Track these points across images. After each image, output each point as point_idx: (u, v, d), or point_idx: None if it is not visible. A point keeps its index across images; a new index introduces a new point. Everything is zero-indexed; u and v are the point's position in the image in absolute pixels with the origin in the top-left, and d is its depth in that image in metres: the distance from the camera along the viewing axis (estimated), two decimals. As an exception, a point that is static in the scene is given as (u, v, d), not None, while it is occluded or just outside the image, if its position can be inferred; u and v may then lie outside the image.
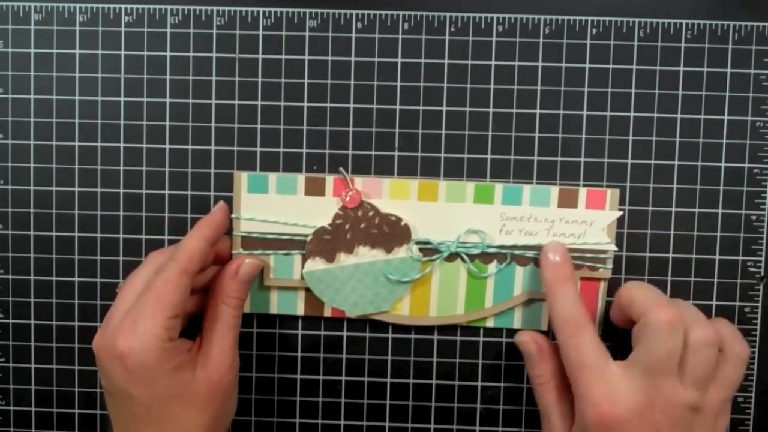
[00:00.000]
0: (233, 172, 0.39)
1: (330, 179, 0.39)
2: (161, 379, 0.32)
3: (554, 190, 0.38)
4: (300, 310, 0.40)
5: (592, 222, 0.38)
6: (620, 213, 0.38)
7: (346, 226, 0.38)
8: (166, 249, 0.37)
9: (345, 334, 0.40)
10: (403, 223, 0.38)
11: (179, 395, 0.32)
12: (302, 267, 0.38)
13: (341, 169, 0.39)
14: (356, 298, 0.39)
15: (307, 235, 0.38)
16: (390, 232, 0.38)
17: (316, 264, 0.38)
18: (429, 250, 0.39)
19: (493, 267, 0.39)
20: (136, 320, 0.32)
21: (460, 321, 0.39)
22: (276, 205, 0.38)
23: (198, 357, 0.34)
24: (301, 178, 0.38)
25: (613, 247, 0.38)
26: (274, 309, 0.40)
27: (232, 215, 0.38)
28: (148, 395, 0.32)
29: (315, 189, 0.38)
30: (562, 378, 0.36)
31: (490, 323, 0.40)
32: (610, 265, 0.38)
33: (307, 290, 0.39)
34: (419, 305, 0.39)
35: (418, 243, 0.38)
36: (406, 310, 0.39)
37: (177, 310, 0.33)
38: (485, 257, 0.39)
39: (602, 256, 0.38)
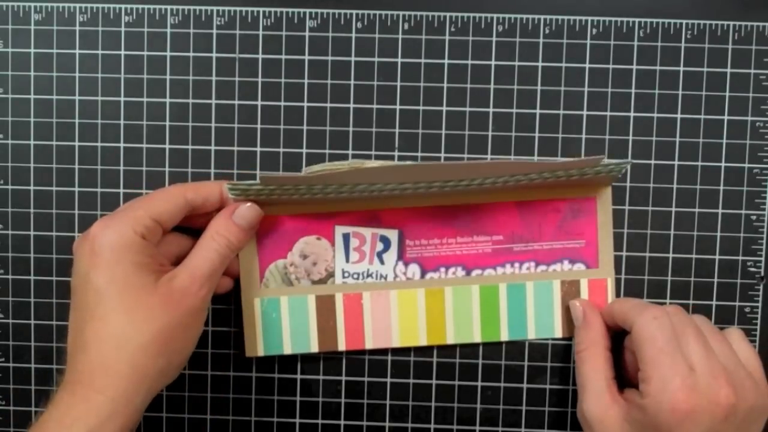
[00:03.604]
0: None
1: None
2: (122, 266, 0.32)
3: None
4: (314, 347, 0.39)
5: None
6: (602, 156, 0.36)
7: None
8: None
9: (345, 334, 0.40)
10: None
11: (135, 293, 0.32)
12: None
13: None
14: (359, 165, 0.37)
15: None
16: None
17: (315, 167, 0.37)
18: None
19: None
20: (118, 212, 0.33)
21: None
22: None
23: (168, 273, 0.33)
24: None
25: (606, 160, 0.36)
26: (288, 349, 0.39)
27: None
28: (105, 280, 0.32)
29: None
30: (600, 352, 0.36)
31: (504, 336, 0.40)
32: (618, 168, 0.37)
33: (319, 326, 0.39)
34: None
35: None
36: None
37: (161, 216, 0.33)
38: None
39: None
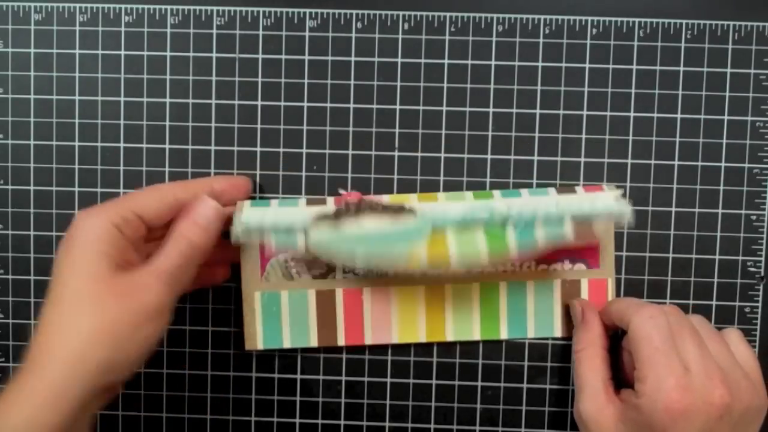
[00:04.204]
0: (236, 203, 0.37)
1: (330, 199, 0.37)
2: (87, 254, 0.32)
3: (551, 191, 0.38)
4: (313, 341, 0.39)
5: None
6: (620, 190, 0.36)
7: (349, 209, 0.36)
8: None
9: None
10: (408, 207, 0.35)
11: (90, 281, 0.31)
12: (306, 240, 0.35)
13: (340, 190, 0.39)
14: (367, 257, 0.35)
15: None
16: (396, 212, 0.35)
17: (321, 231, 0.35)
18: None
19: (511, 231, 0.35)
20: (105, 202, 0.33)
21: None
22: (277, 211, 0.36)
23: (130, 270, 0.33)
24: (302, 201, 0.37)
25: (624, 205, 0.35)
26: (287, 343, 0.39)
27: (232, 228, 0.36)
28: (67, 265, 0.32)
29: (316, 203, 0.37)
30: (597, 353, 0.37)
31: (504, 335, 0.40)
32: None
33: (319, 321, 0.39)
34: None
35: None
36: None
37: (143, 210, 0.33)
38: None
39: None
